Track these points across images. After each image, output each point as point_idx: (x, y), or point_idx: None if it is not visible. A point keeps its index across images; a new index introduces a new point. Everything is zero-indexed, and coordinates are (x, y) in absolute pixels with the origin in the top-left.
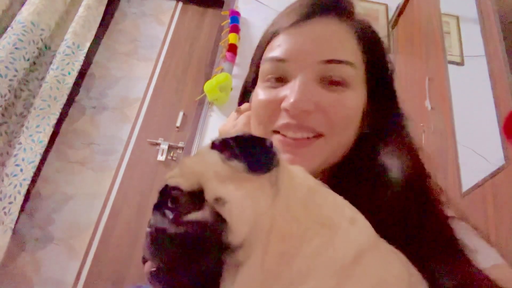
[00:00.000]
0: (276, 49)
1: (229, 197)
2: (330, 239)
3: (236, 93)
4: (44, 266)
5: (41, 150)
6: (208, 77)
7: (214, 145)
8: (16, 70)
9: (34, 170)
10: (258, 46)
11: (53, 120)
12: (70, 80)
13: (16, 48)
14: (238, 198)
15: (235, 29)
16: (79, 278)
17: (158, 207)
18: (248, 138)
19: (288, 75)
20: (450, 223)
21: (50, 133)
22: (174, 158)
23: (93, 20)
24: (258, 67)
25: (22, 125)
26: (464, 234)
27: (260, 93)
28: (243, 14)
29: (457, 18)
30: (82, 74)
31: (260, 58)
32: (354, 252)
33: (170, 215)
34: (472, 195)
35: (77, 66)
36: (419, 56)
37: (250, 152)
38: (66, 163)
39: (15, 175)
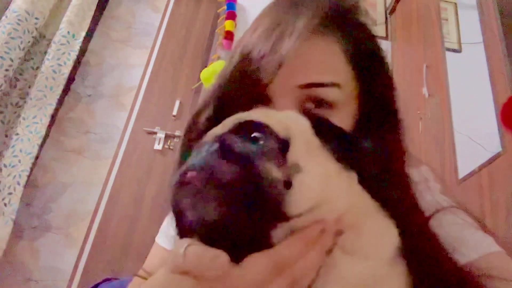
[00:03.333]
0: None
1: (308, 168)
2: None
3: None
4: (42, 254)
5: (39, 141)
6: (204, 65)
7: (308, 114)
8: (12, 60)
9: (32, 161)
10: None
11: (50, 111)
12: (66, 70)
13: (11, 37)
14: (316, 174)
15: (231, 16)
16: (77, 266)
17: (239, 132)
18: (347, 135)
19: (269, 95)
20: (443, 212)
21: (47, 124)
22: (171, 147)
23: (87, 9)
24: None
25: (19, 115)
26: (455, 225)
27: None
28: (240, 0)
29: (455, 4)
30: (77, 63)
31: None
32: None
33: (253, 147)
34: (468, 182)
35: (73, 55)
36: (416, 43)
37: (343, 145)
38: (62, 151)
39: (13, 166)
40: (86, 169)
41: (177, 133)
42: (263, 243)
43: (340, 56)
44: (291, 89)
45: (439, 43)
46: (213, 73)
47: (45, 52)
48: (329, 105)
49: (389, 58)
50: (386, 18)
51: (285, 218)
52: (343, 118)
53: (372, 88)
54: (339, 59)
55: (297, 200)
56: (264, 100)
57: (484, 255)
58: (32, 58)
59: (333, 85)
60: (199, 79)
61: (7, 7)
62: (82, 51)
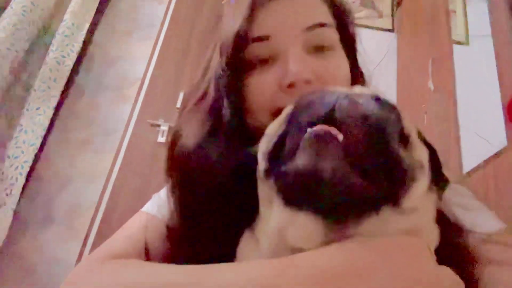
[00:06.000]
0: (257, 29)
1: (426, 168)
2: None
3: None
4: (46, 246)
5: (42, 133)
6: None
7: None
8: (17, 51)
9: (35, 152)
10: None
11: (54, 102)
12: (70, 62)
13: (16, 28)
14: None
15: None
16: (80, 258)
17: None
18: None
19: (275, 52)
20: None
21: (50, 115)
22: None
23: (92, 0)
24: (236, 50)
25: (23, 107)
26: (463, 196)
27: (254, 80)
28: None
29: None
30: (81, 55)
31: (237, 42)
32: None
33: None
34: (473, 177)
35: (77, 47)
36: (423, 36)
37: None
38: (66, 144)
39: (16, 157)
40: (90, 161)
41: None
42: (369, 215)
43: (324, 5)
44: (299, 34)
45: (446, 36)
46: None
47: (49, 44)
48: (330, 47)
49: (394, 51)
50: (393, 11)
51: (399, 204)
52: (342, 57)
53: (345, 35)
54: (324, 7)
55: (415, 195)
56: (272, 56)
57: (499, 229)
58: (36, 50)
59: (330, 26)
60: None
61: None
62: (86, 43)
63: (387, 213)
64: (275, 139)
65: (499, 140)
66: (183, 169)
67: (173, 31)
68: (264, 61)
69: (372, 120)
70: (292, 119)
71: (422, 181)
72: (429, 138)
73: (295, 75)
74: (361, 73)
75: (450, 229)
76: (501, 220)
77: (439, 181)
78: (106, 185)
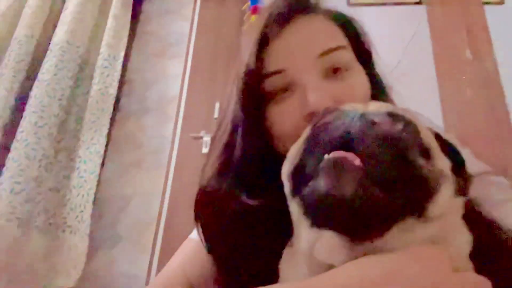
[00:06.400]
0: (271, 62)
1: (448, 175)
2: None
3: None
4: (117, 263)
5: (99, 160)
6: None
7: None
8: (63, 89)
9: (97, 179)
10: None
11: (105, 131)
12: (113, 91)
13: (58, 69)
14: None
15: (255, 11)
16: (150, 271)
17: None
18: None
19: (292, 82)
20: (486, 175)
21: (104, 143)
22: None
23: (122, 29)
24: (247, 87)
25: (78, 139)
26: (497, 189)
27: (274, 110)
28: None
29: None
30: (121, 81)
31: (248, 79)
32: None
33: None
34: None
35: (116, 76)
36: (453, 2)
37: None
38: (121, 166)
39: (80, 187)
40: (145, 180)
41: None
42: (393, 228)
43: (334, 27)
44: (313, 62)
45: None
46: None
47: (91, 76)
48: (346, 68)
49: (425, 24)
50: None
51: (424, 214)
52: (360, 75)
53: (360, 51)
54: (335, 29)
55: (439, 203)
56: (290, 85)
57: None
58: (80, 84)
59: (343, 47)
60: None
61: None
62: (124, 70)
63: (412, 224)
64: (296, 161)
65: None
66: (206, 209)
67: (200, 45)
68: (283, 90)
69: (389, 139)
70: (310, 142)
71: (446, 189)
72: (474, 112)
73: (314, 105)
74: (382, 86)
75: (485, 228)
76: None
77: (461, 179)
78: (163, 200)
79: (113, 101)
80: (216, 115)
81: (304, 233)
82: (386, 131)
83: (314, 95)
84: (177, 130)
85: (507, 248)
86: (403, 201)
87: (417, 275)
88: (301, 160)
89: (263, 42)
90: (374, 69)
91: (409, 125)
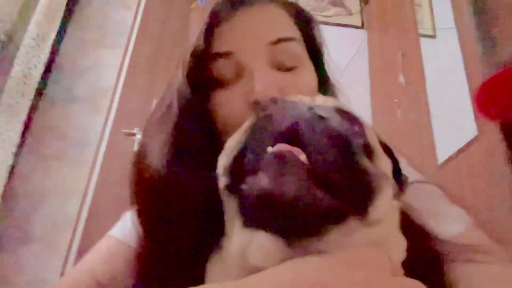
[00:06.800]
0: (219, 44)
1: (390, 177)
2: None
3: None
4: (26, 266)
5: (14, 149)
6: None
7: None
8: None
9: (8, 169)
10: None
11: (23, 117)
12: (37, 74)
13: None
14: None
15: None
16: (63, 276)
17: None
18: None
19: (240, 68)
20: (418, 184)
21: (21, 130)
22: None
23: (57, 9)
24: (194, 68)
25: None
26: (430, 198)
27: (220, 97)
28: None
29: None
30: (49, 66)
31: (195, 59)
32: None
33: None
34: (447, 167)
35: (43, 58)
36: (391, 31)
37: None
38: (40, 159)
39: None
40: (66, 175)
41: None
42: (333, 229)
43: (289, 19)
44: (263, 48)
45: (414, 30)
46: None
47: (14, 57)
48: (296, 61)
49: (365, 47)
50: (361, 7)
51: (365, 215)
52: (309, 70)
53: (312, 47)
54: (289, 20)
55: (381, 205)
56: (238, 71)
57: (467, 228)
58: (1, 64)
59: (295, 39)
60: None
61: None
62: (53, 54)
63: (352, 226)
64: (234, 153)
65: (471, 130)
66: (152, 194)
67: (143, 38)
68: (230, 77)
69: (336, 134)
70: (252, 133)
71: (387, 191)
72: (403, 131)
73: (260, 93)
74: (330, 84)
75: (418, 235)
76: (477, 208)
77: (398, 181)
78: (84, 198)
79: (36, 86)
80: None
81: (236, 234)
82: (334, 127)
83: (261, 82)
84: (107, 124)
85: (437, 257)
86: (346, 203)
87: (355, 278)
88: (240, 152)
89: (213, 24)
90: (324, 66)
91: (357, 122)
